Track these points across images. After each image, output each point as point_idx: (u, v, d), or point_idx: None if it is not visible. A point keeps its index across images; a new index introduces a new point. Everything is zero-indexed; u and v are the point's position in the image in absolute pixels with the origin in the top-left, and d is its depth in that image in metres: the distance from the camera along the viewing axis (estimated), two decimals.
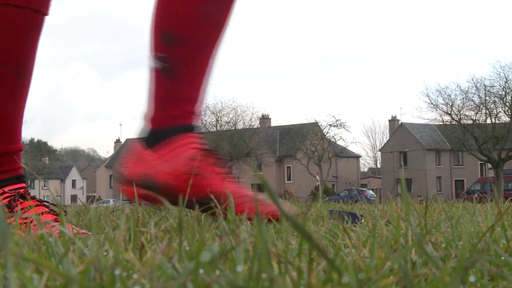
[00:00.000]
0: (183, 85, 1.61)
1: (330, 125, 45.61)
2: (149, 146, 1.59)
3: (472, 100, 36.03)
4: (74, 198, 73.13)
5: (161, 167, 1.55)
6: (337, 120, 45.43)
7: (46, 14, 1.47)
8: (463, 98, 36.32)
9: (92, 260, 0.55)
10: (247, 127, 46.28)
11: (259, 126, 52.34)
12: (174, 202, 1.31)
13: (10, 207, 1.36)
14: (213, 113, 45.25)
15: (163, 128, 1.60)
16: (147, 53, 1.63)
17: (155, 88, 1.61)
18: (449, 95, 36.87)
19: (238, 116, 46.01)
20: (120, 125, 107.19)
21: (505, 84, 34.71)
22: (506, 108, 34.68)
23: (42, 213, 1.33)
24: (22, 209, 1.35)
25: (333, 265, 0.48)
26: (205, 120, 44.24)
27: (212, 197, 1.28)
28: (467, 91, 36.25)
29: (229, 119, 45.96)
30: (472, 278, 0.59)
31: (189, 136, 1.58)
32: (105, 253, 0.72)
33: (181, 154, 1.55)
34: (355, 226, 1.19)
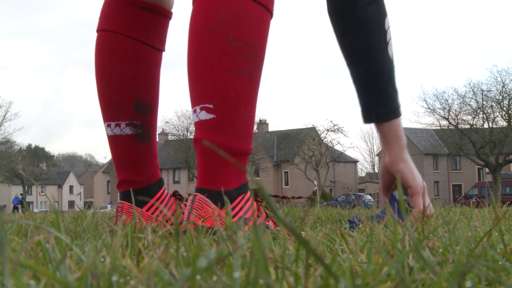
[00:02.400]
0: (154, 145, 1.82)
1: (328, 130, 45.58)
2: (141, 206, 1.75)
3: (469, 105, 36.02)
4: (71, 203, 72.97)
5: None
6: (334, 125, 45.39)
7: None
8: (461, 103, 36.31)
9: (89, 267, 0.55)
10: None
11: (256, 131, 52.31)
12: None
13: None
14: None
15: (148, 185, 1.79)
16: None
17: (131, 152, 1.77)
18: (446, 100, 36.87)
19: None
20: None
21: (502, 89, 34.69)
22: (503, 112, 34.65)
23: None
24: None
25: (329, 271, 0.48)
26: None
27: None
28: (464, 95, 36.25)
29: None
30: (468, 284, 0.59)
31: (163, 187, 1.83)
32: (102, 259, 0.72)
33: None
34: (352, 231, 1.19)
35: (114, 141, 1.76)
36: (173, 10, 1.84)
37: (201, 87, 1.40)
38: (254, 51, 1.41)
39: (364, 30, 1.76)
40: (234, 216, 1.36)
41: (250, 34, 1.41)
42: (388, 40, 1.79)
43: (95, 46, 1.77)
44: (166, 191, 1.82)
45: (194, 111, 1.41)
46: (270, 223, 1.48)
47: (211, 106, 1.38)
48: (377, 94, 1.77)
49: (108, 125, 1.75)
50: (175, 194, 1.86)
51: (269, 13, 1.46)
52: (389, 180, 1.83)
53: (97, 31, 1.77)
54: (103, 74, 1.74)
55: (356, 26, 1.76)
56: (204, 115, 1.39)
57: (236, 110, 1.39)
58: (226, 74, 1.38)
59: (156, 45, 1.78)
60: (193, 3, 1.45)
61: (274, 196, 1.82)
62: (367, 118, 1.81)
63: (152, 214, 1.74)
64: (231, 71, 1.38)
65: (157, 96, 1.81)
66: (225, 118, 1.38)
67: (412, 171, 1.78)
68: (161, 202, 1.78)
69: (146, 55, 1.76)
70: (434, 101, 38.04)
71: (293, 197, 1.98)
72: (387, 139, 1.78)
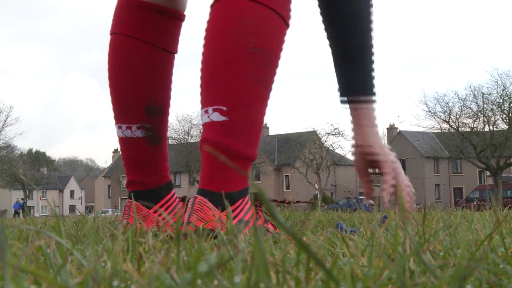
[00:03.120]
0: (164, 148, 1.82)
1: (328, 133, 45.56)
2: (149, 207, 1.75)
3: (470, 108, 36.03)
4: (72, 208, 73.00)
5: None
6: (335, 129, 45.38)
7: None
8: (461, 106, 36.34)
9: (90, 271, 0.55)
10: None
11: None
12: None
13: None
14: None
15: (156, 187, 1.79)
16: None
17: (141, 154, 1.77)
18: (447, 103, 36.90)
19: None
20: None
21: (502, 92, 34.72)
22: (504, 115, 34.66)
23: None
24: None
25: (330, 275, 0.48)
26: None
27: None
28: (465, 98, 36.27)
29: None
30: (469, 287, 0.59)
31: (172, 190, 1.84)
32: (103, 264, 0.72)
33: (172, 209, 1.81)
34: (353, 235, 1.19)
35: (125, 143, 1.77)
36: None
37: (216, 88, 1.41)
38: (271, 60, 1.44)
39: (352, 10, 1.73)
40: (234, 218, 1.36)
41: (269, 44, 1.43)
42: (372, 28, 1.76)
43: (108, 49, 1.78)
44: (175, 195, 1.82)
45: (206, 111, 1.42)
46: (270, 226, 1.49)
47: (225, 108, 1.39)
48: (356, 71, 1.73)
49: (119, 127, 1.77)
50: (184, 199, 1.87)
51: (286, 25, 1.49)
52: (363, 164, 1.79)
53: (110, 34, 1.78)
54: (116, 76, 1.75)
55: (344, 3, 1.74)
56: (217, 117, 1.40)
57: (248, 115, 1.41)
58: (243, 80, 1.39)
59: (168, 48, 1.78)
60: (211, 8, 1.46)
61: (274, 200, 1.81)
62: (343, 91, 1.73)
63: (159, 216, 1.74)
64: (248, 77, 1.40)
65: (168, 99, 1.81)
66: (237, 121, 1.40)
67: (384, 151, 1.76)
68: (169, 206, 1.78)
69: (159, 58, 1.77)
70: (435, 104, 38.06)
71: (293, 202, 1.98)
72: (360, 123, 1.73)
